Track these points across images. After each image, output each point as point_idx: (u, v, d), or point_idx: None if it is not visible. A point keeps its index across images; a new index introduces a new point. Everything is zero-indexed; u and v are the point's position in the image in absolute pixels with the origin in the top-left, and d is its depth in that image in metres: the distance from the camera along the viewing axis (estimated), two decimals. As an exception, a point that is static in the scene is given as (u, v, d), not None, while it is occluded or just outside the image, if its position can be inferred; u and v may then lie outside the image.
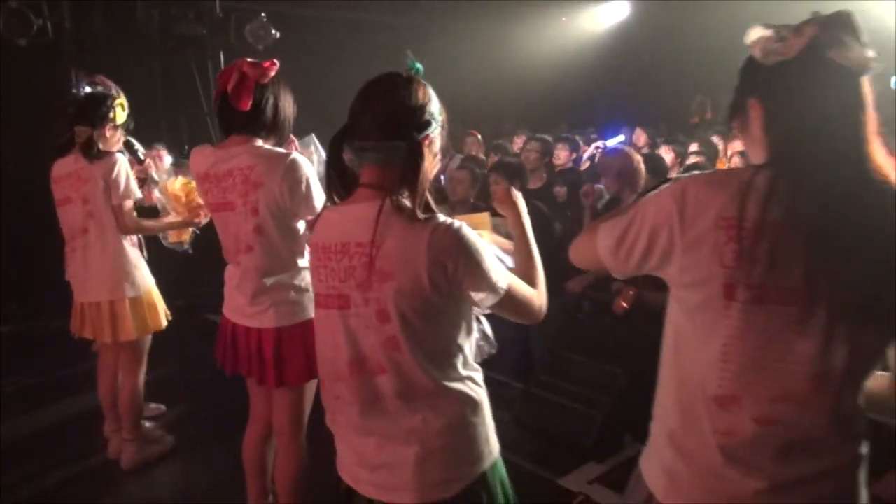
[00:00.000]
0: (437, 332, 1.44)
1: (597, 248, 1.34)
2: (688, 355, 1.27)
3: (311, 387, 2.38)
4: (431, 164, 1.48)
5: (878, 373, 1.29)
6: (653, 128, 9.36)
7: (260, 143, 2.25)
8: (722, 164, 5.48)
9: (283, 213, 2.21)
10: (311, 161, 2.37)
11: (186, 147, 5.40)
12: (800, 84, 1.17)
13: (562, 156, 5.50)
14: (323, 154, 2.50)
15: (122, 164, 3.01)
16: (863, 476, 1.28)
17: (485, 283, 1.40)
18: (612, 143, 6.08)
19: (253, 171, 2.17)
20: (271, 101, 2.24)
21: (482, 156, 6.49)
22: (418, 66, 1.51)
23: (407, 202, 1.40)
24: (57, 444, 3.54)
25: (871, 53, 1.13)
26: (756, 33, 1.20)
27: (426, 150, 1.43)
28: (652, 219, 1.24)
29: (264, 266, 2.25)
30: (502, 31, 9.35)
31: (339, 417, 1.54)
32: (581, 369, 3.45)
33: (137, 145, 3.37)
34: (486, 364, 4.39)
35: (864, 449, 1.27)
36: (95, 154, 2.97)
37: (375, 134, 1.41)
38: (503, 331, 4.44)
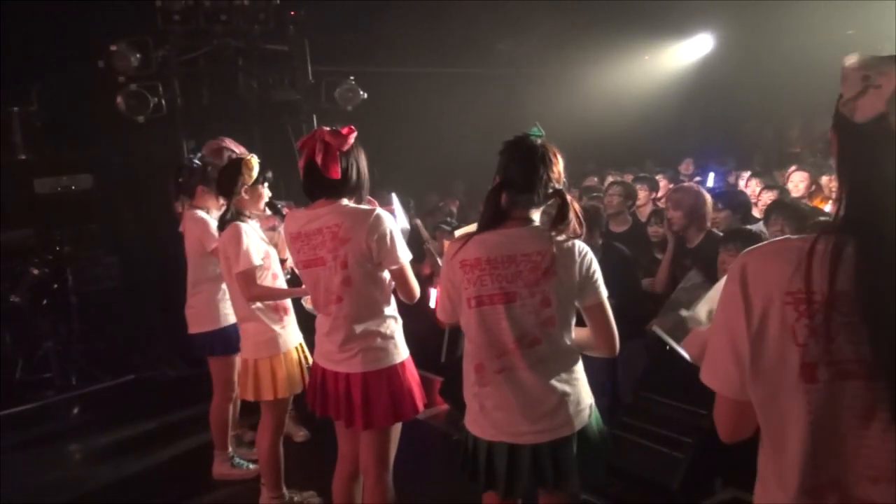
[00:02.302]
0: (573, 312, 2.06)
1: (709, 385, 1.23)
2: (769, 453, 1.17)
3: (396, 429, 2.53)
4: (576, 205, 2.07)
5: None
6: (746, 160, 9.12)
7: (345, 202, 2.47)
8: (820, 203, 5.20)
9: (369, 264, 2.40)
10: (393, 216, 2.56)
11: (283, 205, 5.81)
12: (869, 149, 1.07)
13: (641, 196, 5.46)
14: (401, 209, 2.69)
15: (236, 233, 3.00)
16: None
17: (597, 288, 2.04)
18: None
19: (341, 228, 2.37)
20: (355, 165, 2.46)
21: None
22: (542, 132, 2.08)
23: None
24: (165, 484, 3.85)
25: None
26: (848, 66, 1.09)
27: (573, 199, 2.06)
28: (722, 318, 1.17)
29: (353, 314, 2.43)
30: (586, 74, 9.45)
31: (503, 389, 2.03)
32: (665, 411, 3.41)
33: (281, 204, 3.43)
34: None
35: None
36: (220, 226, 3.13)
37: (532, 189, 2.01)
38: (592, 376, 4.45)
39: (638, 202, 5.46)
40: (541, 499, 2.16)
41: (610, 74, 9.53)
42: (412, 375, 2.54)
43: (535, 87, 9.42)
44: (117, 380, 5.71)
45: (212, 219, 3.58)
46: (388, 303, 2.51)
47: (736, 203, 4.16)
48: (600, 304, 2.06)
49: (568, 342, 2.06)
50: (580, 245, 2.02)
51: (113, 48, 5.48)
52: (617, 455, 3.46)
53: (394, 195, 2.81)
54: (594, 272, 2.03)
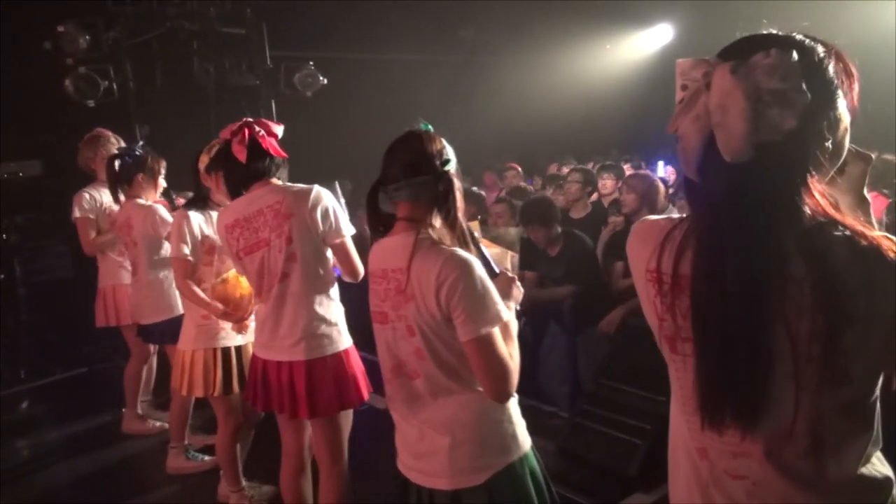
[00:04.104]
0: (452, 346, 1.63)
1: None
2: (674, 410, 1.21)
3: (345, 416, 2.48)
4: (460, 194, 1.72)
5: None
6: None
7: (279, 181, 2.47)
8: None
9: (313, 238, 2.38)
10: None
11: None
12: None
13: (608, 185, 5.48)
14: (342, 200, 2.67)
15: (179, 219, 2.95)
16: None
17: (468, 319, 1.56)
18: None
19: (283, 205, 2.35)
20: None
21: (530, 186, 6.57)
22: (429, 126, 1.78)
23: (434, 233, 1.65)
24: (119, 479, 3.75)
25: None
26: (678, 68, 1.10)
27: (454, 180, 1.70)
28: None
29: (298, 291, 2.38)
30: (546, 63, 9.45)
31: (395, 413, 1.79)
32: (625, 398, 3.43)
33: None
34: (536, 395, 4.35)
35: None
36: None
37: (403, 175, 1.68)
38: (554, 363, 4.42)
39: (605, 191, 5.49)
40: None
41: (572, 63, 9.54)
42: (356, 364, 2.49)
43: (496, 74, 9.39)
44: (69, 372, 5.54)
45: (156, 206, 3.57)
46: (332, 284, 2.48)
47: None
48: (475, 341, 1.55)
49: (457, 381, 1.65)
50: (450, 260, 1.57)
51: (60, 29, 5.29)
52: (577, 443, 3.52)
53: (336, 184, 2.78)
54: (462, 296, 1.55)
